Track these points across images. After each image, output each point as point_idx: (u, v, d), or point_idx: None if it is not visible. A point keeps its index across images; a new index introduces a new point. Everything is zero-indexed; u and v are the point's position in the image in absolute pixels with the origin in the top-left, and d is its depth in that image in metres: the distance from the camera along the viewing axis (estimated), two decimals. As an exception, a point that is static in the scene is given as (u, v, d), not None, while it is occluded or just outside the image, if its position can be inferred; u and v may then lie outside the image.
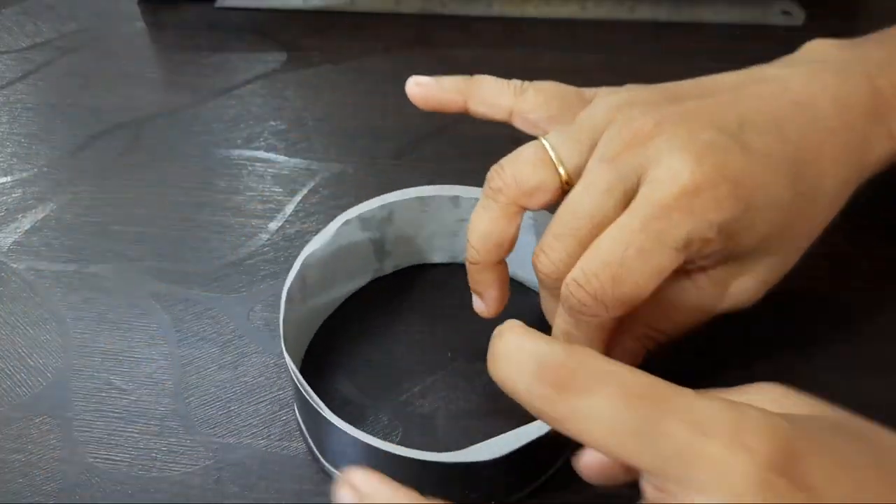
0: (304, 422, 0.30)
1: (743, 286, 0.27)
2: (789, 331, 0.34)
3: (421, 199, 0.34)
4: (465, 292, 0.31)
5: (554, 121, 0.29)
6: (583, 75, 0.34)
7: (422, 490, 0.21)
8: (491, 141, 0.33)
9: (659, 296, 0.26)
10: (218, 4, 0.56)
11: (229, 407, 0.32)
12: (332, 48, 0.52)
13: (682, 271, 0.27)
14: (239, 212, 0.41)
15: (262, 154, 0.44)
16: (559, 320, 0.26)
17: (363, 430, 0.26)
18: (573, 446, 0.21)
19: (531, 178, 0.27)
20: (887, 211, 0.39)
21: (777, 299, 0.35)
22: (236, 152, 0.44)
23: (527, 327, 0.20)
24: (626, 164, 0.25)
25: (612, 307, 0.24)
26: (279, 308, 0.30)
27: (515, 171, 0.27)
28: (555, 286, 0.26)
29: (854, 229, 0.38)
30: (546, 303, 0.29)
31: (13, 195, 0.42)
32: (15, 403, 0.32)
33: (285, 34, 0.53)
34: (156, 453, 0.31)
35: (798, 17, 0.53)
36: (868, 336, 0.34)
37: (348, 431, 0.26)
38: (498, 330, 0.21)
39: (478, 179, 0.28)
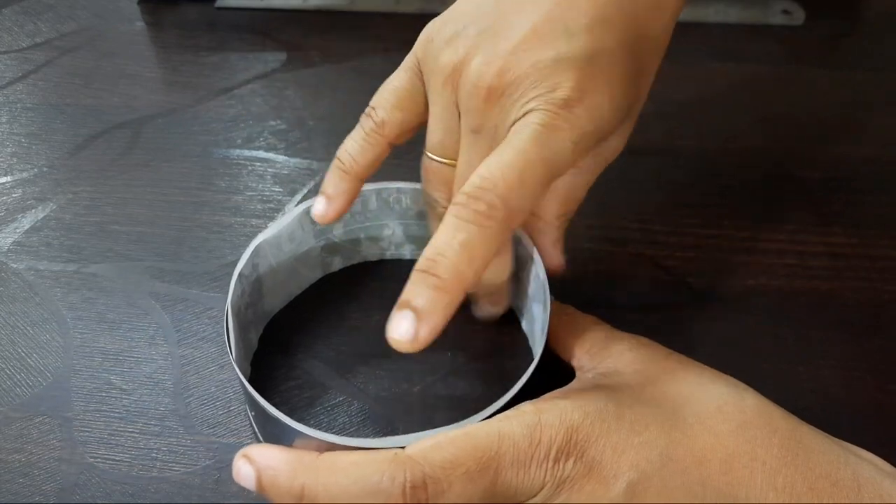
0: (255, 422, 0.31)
1: (612, 147, 0.29)
2: (789, 331, 0.34)
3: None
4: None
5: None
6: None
7: None
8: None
9: (559, 185, 0.29)
10: (218, 4, 0.56)
11: (229, 407, 0.32)
12: (332, 48, 0.52)
13: None
14: (239, 212, 0.41)
15: (261, 154, 0.44)
16: (448, 233, 0.24)
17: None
18: None
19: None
20: (888, 210, 0.39)
21: (777, 299, 0.35)
22: (236, 152, 0.44)
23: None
24: (490, 126, 0.27)
25: (516, 210, 0.24)
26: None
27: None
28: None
29: (853, 228, 0.38)
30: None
31: (13, 195, 0.42)
32: (15, 403, 0.32)
33: (285, 34, 0.53)
34: (156, 453, 0.31)
35: (798, 16, 0.53)
36: (868, 336, 0.34)
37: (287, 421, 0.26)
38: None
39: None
